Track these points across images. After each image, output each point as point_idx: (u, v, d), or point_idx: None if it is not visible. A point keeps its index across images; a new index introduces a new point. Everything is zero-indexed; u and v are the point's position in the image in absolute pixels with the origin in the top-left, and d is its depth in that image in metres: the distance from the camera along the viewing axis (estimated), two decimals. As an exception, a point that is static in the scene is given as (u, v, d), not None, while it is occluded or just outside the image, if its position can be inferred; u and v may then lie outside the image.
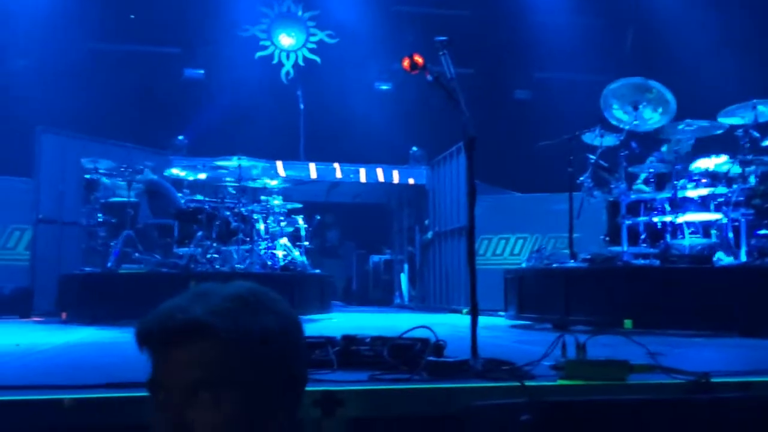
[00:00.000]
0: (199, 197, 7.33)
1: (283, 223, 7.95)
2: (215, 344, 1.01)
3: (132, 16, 11.11)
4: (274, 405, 1.06)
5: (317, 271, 7.86)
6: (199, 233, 6.93)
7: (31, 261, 8.08)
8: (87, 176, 7.48)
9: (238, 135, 8.59)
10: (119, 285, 6.44)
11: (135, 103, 10.36)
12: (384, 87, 11.85)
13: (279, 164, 9.25)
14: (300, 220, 8.18)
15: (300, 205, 8.30)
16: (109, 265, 6.93)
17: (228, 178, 7.40)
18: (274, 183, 7.83)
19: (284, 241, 7.81)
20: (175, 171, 7.79)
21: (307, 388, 2.35)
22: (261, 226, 7.49)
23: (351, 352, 3.00)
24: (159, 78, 11.05)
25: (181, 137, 9.58)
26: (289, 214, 8.14)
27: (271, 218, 7.68)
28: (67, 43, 10.41)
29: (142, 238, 7.16)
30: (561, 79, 11.74)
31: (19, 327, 6.10)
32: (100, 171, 7.38)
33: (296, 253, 7.79)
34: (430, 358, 2.78)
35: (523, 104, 11.94)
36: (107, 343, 4.59)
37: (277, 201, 7.84)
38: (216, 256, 6.96)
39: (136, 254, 7.05)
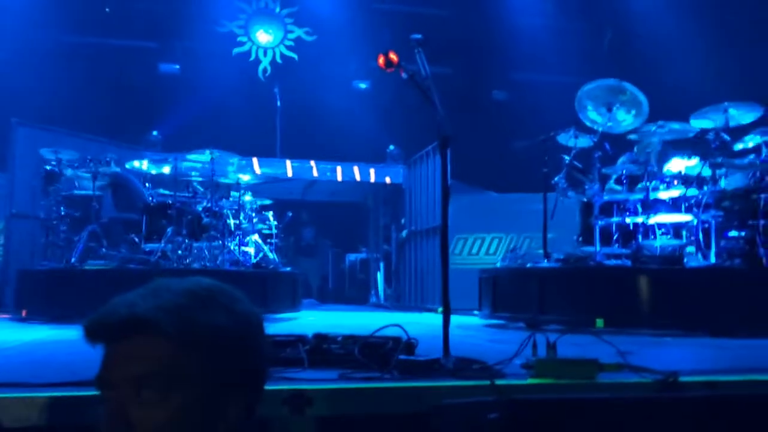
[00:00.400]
0: (165, 191, 7.14)
1: (255, 220, 7.83)
2: (159, 340, 0.99)
3: (107, 9, 10.95)
4: (224, 404, 1.04)
5: (288, 269, 7.79)
6: (170, 229, 6.73)
7: (3, 256, 7.92)
8: (47, 167, 7.16)
9: (213, 131, 8.50)
10: (84, 281, 6.21)
11: (109, 97, 10.22)
12: (362, 85, 11.83)
13: (255, 161, 9.18)
14: (270, 216, 8.09)
15: (270, 201, 8.22)
16: (72, 260, 6.67)
17: (194, 173, 7.24)
18: (246, 178, 7.70)
19: (255, 238, 7.70)
20: (137, 164, 7.54)
21: (276, 387, 2.36)
22: (231, 223, 7.32)
23: (322, 350, 2.98)
24: (134, 72, 10.91)
25: (155, 132, 9.47)
26: (261, 210, 8.04)
27: (242, 215, 7.53)
28: (41, 35, 10.24)
29: (106, 233, 6.92)
30: (537, 80, 11.82)
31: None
32: (63, 162, 7.11)
33: (267, 250, 7.72)
34: (402, 357, 2.78)
35: (500, 104, 12.01)
36: (73, 340, 4.52)
37: (248, 197, 7.69)
38: (186, 252, 6.77)
39: (103, 250, 6.84)
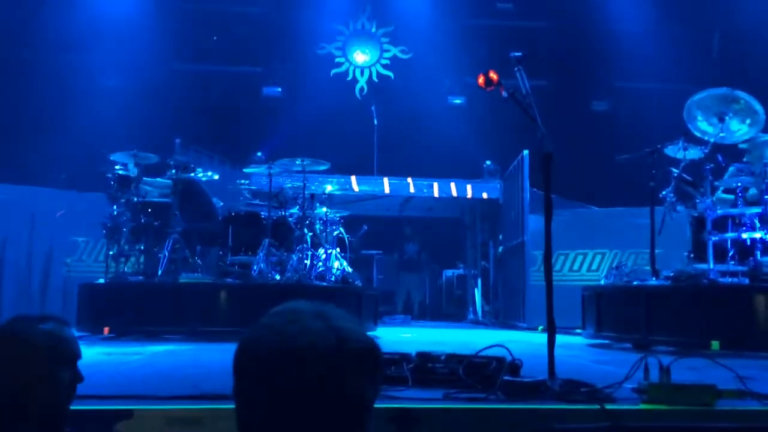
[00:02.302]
0: (252, 200, 6.97)
1: (336, 233, 7.55)
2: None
3: (215, 38, 11.58)
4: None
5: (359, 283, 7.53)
6: (266, 240, 6.37)
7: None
8: (119, 171, 6.69)
9: (313, 150, 8.74)
10: (181, 296, 5.83)
11: (216, 120, 10.78)
12: (457, 101, 11.83)
13: (353, 179, 9.35)
14: (341, 230, 7.83)
15: (347, 213, 8.07)
16: (159, 273, 6.21)
17: (288, 183, 6.99)
18: (329, 189, 7.60)
19: (336, 251, 7.38)
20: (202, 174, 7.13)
21: (383, 405, 2.40)
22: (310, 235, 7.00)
23: (426, 369, 3.00)
24: (239, 96, 11.47)
25: (259, 153, 9.86)
26: (342, 222, 7.82)
27: (319, 227, 7.24)
28: (152, 63, 10.94)
29: (187, 244, 6.53)
30: (641, 89, 11.42)
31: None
32: (141, 167, 6.61)
33: (346, 264, 7.46)
34: (506, 378, 2.75)
35: (600, 115, 11.67)
36: (189, 354, 4.75)
37: (325, 209, 7.42)
38: (279, 266, 6.52)
39: (197, 261, 6.50)
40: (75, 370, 1.75)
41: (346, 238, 7.81)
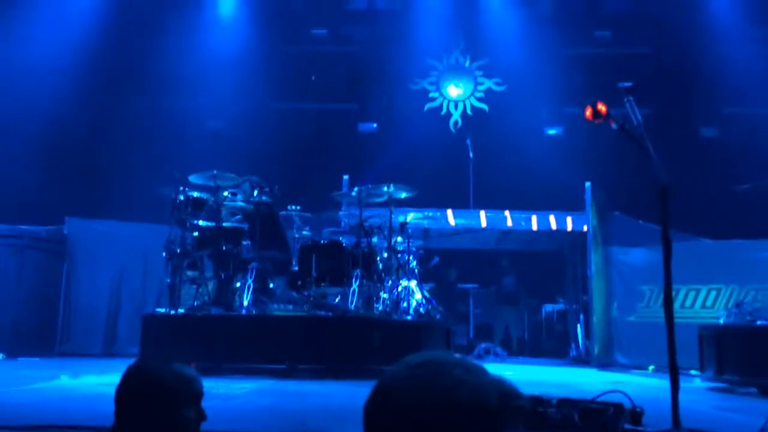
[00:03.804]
0: (333, 228, 6.82)
1: (413, 264, 7.28)
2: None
3: (313, 78, 11.97)
4: None
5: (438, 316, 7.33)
6: (357, 271, 6.13)
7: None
8: (192, 194, 6.40)
9: (408, 185, 8.79)
10: (271, 329, 5.58)
11: (312, 157, 11.06)
12: (553, 131, 11.60)
13: (449, 213, 9.30)
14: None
15: (421, 242, 7.89)
16: (245, 304, 5.93)
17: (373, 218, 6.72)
18: (410, 217, 7.37)
19: (414, 284, 7.17)
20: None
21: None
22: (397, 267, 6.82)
23: (538, 414, 2.87)
24: (335, 132, 11.75)
25: (356, 189, 9.99)
26: (421, 253, 7.67)
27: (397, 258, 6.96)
28: (253, 103, 11.42)
29: (265, 273, 6.28)
30: (751, 114, 10.78)
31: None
32: (220, 189, 6.34)
33: (427, 295, 7.30)
34: (627, 426, 2.59)
35: (710, 142, 11.09)
36: (288, 390, 4.78)
37: (399, 238, 7.12)
38: (370, 299, 6.32)
39: (293, 293, 6.22)
40: (199, 408, 1.79)
41: (416, 269, 7.43)
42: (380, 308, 6.35)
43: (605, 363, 7.95)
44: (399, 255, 6.99)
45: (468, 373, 0.99)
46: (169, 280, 6.27)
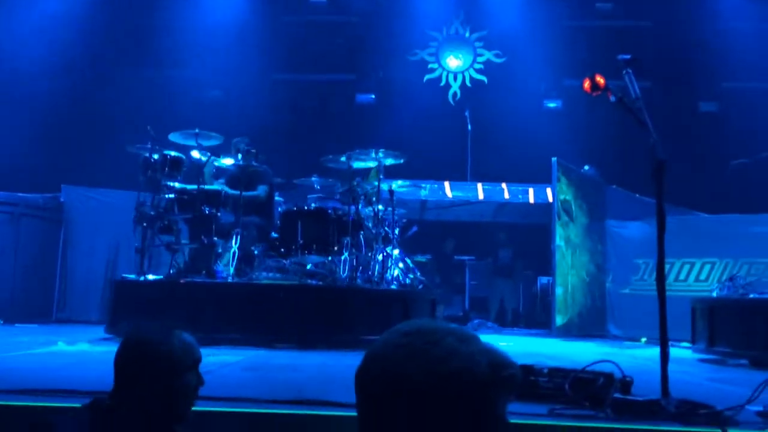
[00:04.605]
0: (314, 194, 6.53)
1: (396, 231, 7.13)
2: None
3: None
4: None
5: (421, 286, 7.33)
6: (346, 239, 5.98)
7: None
8: (171, 153, 6.02)
9: (406, 157, 8.76)
10: (262, 298, 5.34)
11: (311, 127, 11.00)
12: (552, 104, 11.54)
13: (446, 185, 9.31)
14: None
15: (404, 211, 7.75)
16: (231, 271, 5.70)
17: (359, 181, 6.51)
18: (396, 185, 7.12)
19: (397, 252, 7.04)
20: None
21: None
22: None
23: (529, 383, 2.91)
24: (333, 104, 11.67)
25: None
26: (403, 222, 7.58)
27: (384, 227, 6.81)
28: (254, 74, 11.32)
29: (249, 239, 6.00)
30: (752, 89, 10.72)
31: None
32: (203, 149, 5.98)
33: (411, 265, 7.25)
34: (617, 395, 2.63)
35: (709, 117, 11.05)
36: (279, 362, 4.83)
37: (381, 206, 6.79)
38: (362, 267, 6.19)
39: (283, 261, 5.93)
40: (198, 374, 1.82)
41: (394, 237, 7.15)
42: (367, 277, 6.25)
43: (589, 334, 8.02)
44: (386, 224, 6.82)
45: (460, 341, 0.99)
46: (139, 245, 5.92)
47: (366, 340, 5.15)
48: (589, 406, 2.60)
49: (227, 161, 6.54)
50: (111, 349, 1.84)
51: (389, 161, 6.69)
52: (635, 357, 5.47)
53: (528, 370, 2.97)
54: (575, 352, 5.94)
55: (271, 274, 5.87)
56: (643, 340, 7.35)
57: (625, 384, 2.72)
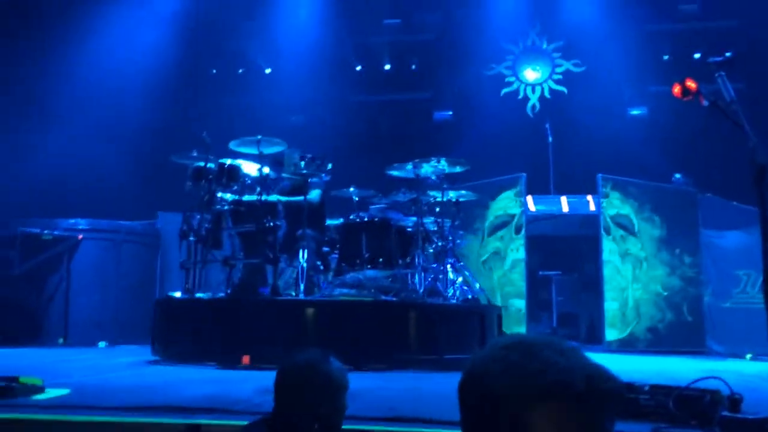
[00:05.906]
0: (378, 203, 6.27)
1: (458, 242, 6.83)
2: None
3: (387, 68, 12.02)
4: None
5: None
6: (419, 253, 5.69)
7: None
8: (227, 161, 5.62)
9: (487, 172, 8.66)
10: (343, 318, 5.01)
11: (388, 147, 11.11)
12: (636, 112, 11.20)
13: (530, 199, 9.17)
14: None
15: (458, 222, 7.54)
16: (302, 288, 5.37)
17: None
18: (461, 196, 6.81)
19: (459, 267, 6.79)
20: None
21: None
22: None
23: (629, 400, 2.81)
24: (410, 122, 11.76)
25: (433, 177, 9.97)
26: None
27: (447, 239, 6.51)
28: (332, 97, 11.58)
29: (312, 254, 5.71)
30: None
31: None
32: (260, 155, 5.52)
33: (470, 278, 6.98)
34: (725, 414, 2.50)
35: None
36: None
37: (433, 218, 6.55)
38: (440, 282, 5.94)
39: (358, 275, 5.65)
40: (345, 399, 1.94)
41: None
42: (438, 291, 6.01)
43: (677, 351, 7.65)
44: (449, 236, 6.50)
45: (558, 354, 0.99)
46: (185, 261, 5.51)
47: (449, 360, 5.08)
48: (696, 425, 2.49)
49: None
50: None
51: (458, 168, 6.42)
52: (741, 374, 5.18)
53: (628, 387, 2.87)
54: (676, 370, 5.69)
55: (345, 290, 5.58)
56: (749, 356, 6.95)
57: (734, 402, 2.59)
